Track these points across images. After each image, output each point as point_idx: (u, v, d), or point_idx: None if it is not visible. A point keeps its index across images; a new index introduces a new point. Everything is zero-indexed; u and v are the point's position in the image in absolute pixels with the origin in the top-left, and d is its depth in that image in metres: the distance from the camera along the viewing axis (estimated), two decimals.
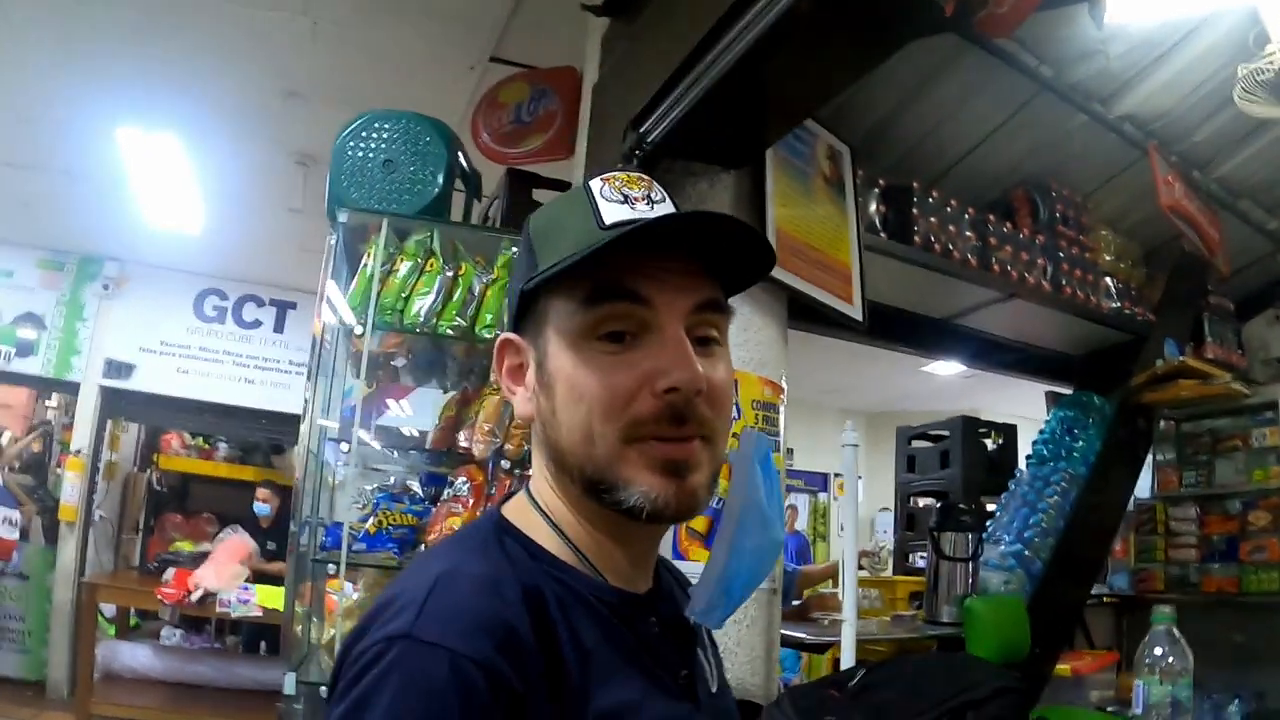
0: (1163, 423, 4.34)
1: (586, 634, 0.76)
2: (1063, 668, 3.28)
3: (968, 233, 3.47)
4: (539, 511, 0.85)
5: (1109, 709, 3.18)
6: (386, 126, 2.69)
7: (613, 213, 0.81)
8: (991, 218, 3.58)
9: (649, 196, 0.83)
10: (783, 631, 2.68)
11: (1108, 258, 4.15)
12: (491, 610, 0.71)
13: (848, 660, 2.45)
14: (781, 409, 2.55)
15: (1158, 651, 1.33)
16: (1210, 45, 3.19)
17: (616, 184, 0.83)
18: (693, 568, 1.64)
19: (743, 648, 2.30)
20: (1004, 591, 3.33)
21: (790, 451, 7.38)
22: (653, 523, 0.80)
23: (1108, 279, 4.05)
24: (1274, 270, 4.59)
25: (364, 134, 2.69)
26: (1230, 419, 4.25)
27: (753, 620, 2.33)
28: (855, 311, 3.04)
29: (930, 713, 1.41)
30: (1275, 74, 2.87)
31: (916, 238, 3.28)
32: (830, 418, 9.57)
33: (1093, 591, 3.87)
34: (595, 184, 0.84)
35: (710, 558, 0.87)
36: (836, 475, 9.87)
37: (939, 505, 3.73)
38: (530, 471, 0.90)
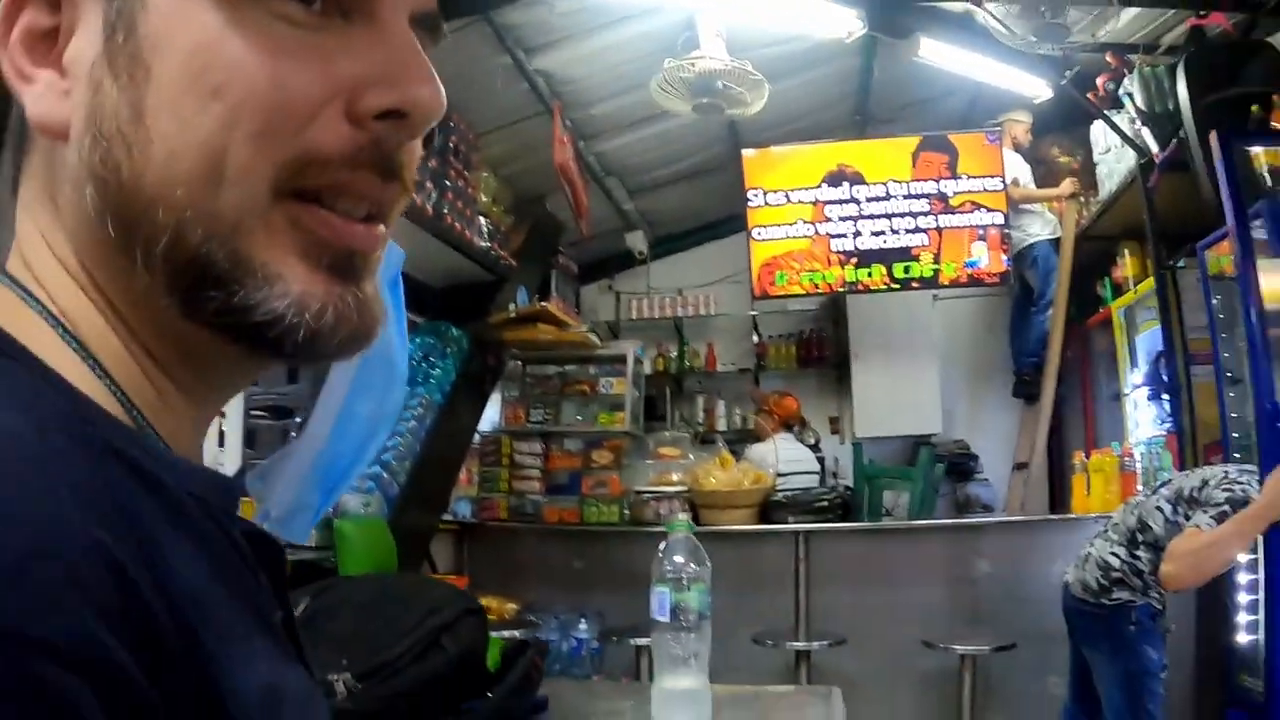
0: (512, 362, 4.61)
1: (187, 561, 0.37)
2: None
3: None
4: (48, 319, 0.42)
5: None
6: None
7: None
8: None
9: None
10: None
11: (484, 198, 4.29)
12: (69, 525, 0.32)
13: None
14: None
15: (678, 559, 1.33)
16: (641, 33, 3.47)
17: None
18: None
19: None
20: (364, 514, 3.21)
21: None
22: (298, 359, 0.43)
23: (482, 218, 4.19)
24: (618, 247, 5.22)
25: None
26: (579, 366, 4.69)
27: None
28: None
29: (407, 639, 1.22)
30: (695, 75, 3.24)
31: None
32: None
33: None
34: None
35: (303, 431, 0.54)
36: None
37: (299, 421, 3.46)
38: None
